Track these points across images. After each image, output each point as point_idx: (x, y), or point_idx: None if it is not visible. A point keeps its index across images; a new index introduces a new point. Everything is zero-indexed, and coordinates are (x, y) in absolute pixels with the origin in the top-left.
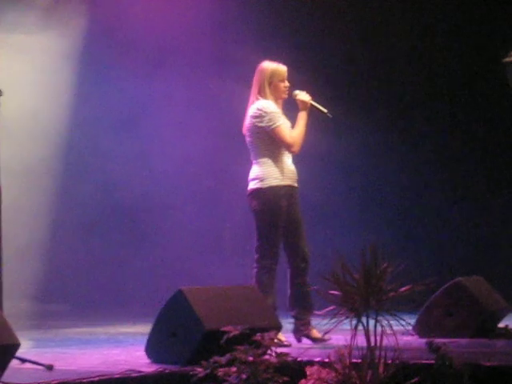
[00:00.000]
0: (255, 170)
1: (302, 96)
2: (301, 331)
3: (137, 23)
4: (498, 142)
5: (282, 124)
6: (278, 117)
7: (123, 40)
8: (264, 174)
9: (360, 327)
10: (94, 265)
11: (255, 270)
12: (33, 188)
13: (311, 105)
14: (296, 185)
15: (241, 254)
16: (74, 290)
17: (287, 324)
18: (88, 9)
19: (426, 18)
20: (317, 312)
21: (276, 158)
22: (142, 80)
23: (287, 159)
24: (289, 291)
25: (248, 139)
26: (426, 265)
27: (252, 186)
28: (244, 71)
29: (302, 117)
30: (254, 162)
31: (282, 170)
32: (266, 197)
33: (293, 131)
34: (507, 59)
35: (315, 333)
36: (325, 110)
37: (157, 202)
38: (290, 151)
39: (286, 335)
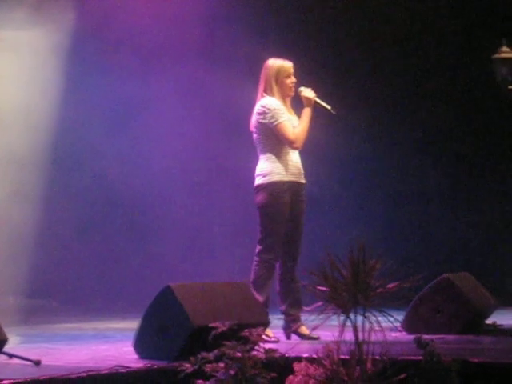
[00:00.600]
0: (260, 166)
1: (307, 93)
2: (290, 327)
3: (127, 19)
4: (490, 140)
5: (285, 121)
6: (280, 113)
7: (113, 35)
8: (267, 169)
9: (348, 323)
10: (83, 260)
11: (255, 263)
12: (21, 184)
13: (315, 102)
14: (302, 181)
15: (230, 250)
16: (62, 285)
17: (277, 320)
18: (77, 5)
19: (417, 19)
20: (305, 308)
21: (280, 154)
22: (133, 76)
23: (293, 155)
24: (278, 287)
25: (254, 136)
26: (413, 261)
27: (256, 181)
28: (238, 66)
29: (306, 113)
30: (259, 158)
31: (285, 166)
32: (269, 192)
33: (296, 128)
34: (496, 56)
35: (304, 329)
36: (328, 107)
37: (146, 198)
38: (292, 147)
39: (275, 331)
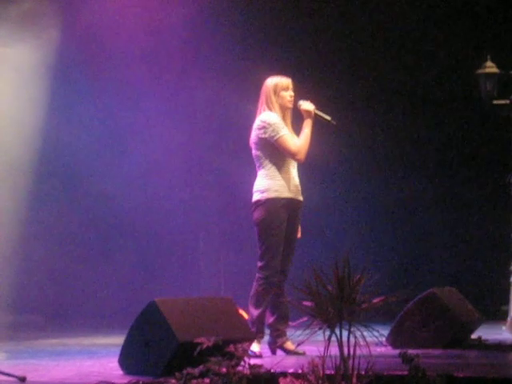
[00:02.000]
0: (258, 182)
1: (306, 105)
2: (275, 342)
3: (113, 31)
4: (476, 153)
5: (286, 134)
6: (281, 127)
7: (99, 48)
8: (265, 186)
9: (333, 338)
10: (68, 276)
11: (256, 278)
12: (5, 200)
13: (315, 114)
14: (300, 198)
15: (215, 264)
16: (48, 301)
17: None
18: (62, 20)
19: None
20: (290, 323)
21: (279, 171)
22: (119, 88)
23: (292, 172)
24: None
25: (253, 151)
26: (399, 276)
27: (254, 197)
28: (227, 76)
29: (307, 126)
30: (258, 173)
31: (284, 183)
32: (266, 209)
33: (297, 140)
34: (480, 71)
35: (290, 345)
36: (328, 118)
37: (131, 213)
38: (295, 159)
39: (262, 346)
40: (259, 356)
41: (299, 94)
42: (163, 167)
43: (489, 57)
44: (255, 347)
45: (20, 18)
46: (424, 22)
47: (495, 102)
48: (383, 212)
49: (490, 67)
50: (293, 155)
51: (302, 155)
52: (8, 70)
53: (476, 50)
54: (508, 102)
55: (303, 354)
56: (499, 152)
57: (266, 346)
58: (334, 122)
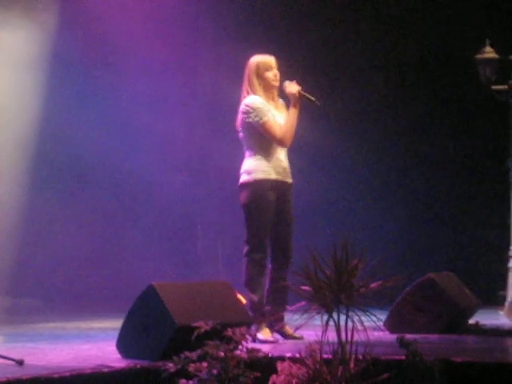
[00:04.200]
0: (245, 164)
1: (291, 87)
2: (273, 326)
3: (112, 19)
4: (477, 144)
5: (270, 119)
6: (265, 111)
7: (99, 35)
8: (252, 167)
9: (331, 323)
10: (66, 260)
11: (244, 263)
12: (3, 184)
13: (300, 94)
14: (288, 180)
15: (213, 250)
16: (46, 284)
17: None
18: (60, 7)
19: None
20: (288, 307)
21: (266, 153)
22: (119, 76)
23: (279, 154)
24: (267, 286)
25: (240, 134)
26: (396, 260)
27: (241, 179)
28: (224, 64)
29: (292, 111)
30: (245, 156)
31: (271, 165)
32: (253, 190)
33: (283, 125)
34: (479, 56)
35: (288, 329)
36: (313, 99)
37: (130, 198)
38: (281, 145)
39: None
40: (276, 341)
41: (285, 74)
42: (161, 154)
43: (488, 42)
44: (266, 333)
45: (16, 4)
46: (423, 8)
47: (494, 87)
48: (381, 197)
49: (489, 52)
50: (277, 140)
51: (286, 140)
52: (7, 55)
53: (475, 36)
54: (507, 87)
55: (301, 338)
56: (498, 138)
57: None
58: (318, 103)
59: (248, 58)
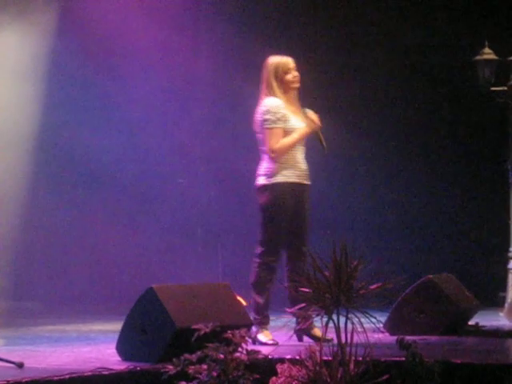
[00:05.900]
0: (263, 166)
1: (314, 117)
2: (302, 329)
3: (111, 18)
4: (476, 145)
5: (277, 128)
6: (276, 119)
7: (97, 35)
8: (272, 170)
9: (331, 324)
10: (66, 262)
11: (255, 264)
12: (3, 187)
13: (317, 129)
14: (306, 182)
15: (213, 251)
16: (45, 287)
17: (276, 322)
18: (58, 8)
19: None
20: (287, 309)
21: (285, 155)
22: (120, 75)
23: (298, 156)
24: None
25: (258, 135)
26: (396, 262)
27: (260, 181)
28: (229, 62)
29: (301, 131)
30: (263, 157)
31: (290, 167)
32: (272, 193)
33: (283, 140)
34: (478, 57)
35: (317, 331)
36: (324, 144)
37: (130, 200)
38: (270, 155)
39: (276, 333)
40: (276, 344)
41: (305, 73)
42: (162, 153)
43: (487, 43)
44: (267, 335)
45: (12, 6)
46: (422, 8)
47: (493, 88)
48: (380, 198)
49: (488, 54)
50: (270, 151)
51: (276, 154)
52: (5, 58)
53: (474, 37)
54: (506, 88)
55: (331, 340)
56: (497, 139)
57: (279, 334)
58: (326, 152)
59: (248, 56)
